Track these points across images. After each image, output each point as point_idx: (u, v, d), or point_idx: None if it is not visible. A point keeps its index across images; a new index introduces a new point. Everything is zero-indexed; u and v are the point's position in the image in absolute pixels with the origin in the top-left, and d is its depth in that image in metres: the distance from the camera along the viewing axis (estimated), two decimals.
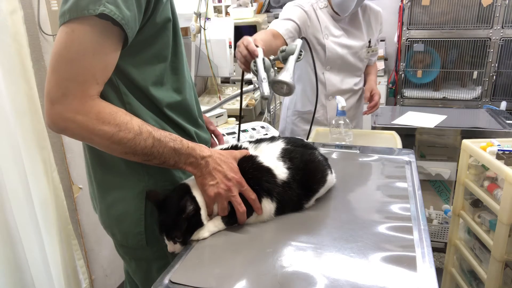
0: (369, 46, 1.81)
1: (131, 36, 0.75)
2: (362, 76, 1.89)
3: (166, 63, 0.87)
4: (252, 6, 2.81)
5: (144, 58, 0.83)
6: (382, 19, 1.85)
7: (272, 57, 1.18)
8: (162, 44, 0.85)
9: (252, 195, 0.85)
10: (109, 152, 0.79)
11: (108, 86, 0.80)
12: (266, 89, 1.07)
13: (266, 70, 1.12)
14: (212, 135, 1.14)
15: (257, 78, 1.11)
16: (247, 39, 1.20)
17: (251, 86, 1.31)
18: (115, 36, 0.74)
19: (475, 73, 3.21)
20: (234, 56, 2.45)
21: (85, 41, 0.71)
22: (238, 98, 2.45)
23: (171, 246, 0.82)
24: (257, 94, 2.47)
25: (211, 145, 1.08)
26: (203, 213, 0.83)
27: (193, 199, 0.83)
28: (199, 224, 0.83)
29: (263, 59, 1.13)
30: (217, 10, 2.80)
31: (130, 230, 0.90)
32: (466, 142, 1.56)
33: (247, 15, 2.72)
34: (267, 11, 3.93)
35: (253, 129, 1.78)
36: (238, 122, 2.05)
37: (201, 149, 0.85)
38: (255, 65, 1.12)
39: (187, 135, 0.93)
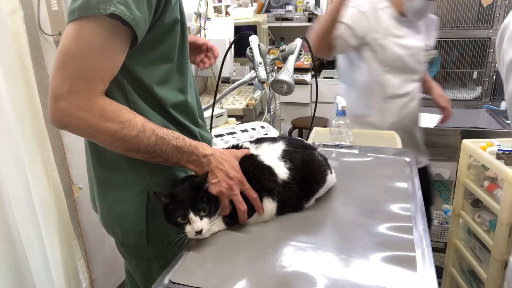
0: (427, 50, 1.76)
1: (141, 36, 0.75)
2: (420, 82, 1.81)
3: (172, 63, 0.87)
4: (252, 6, 2.81)
5: (151, 58, 0.83)
6: (437, 25, 1.82)
7: (272, 57, 1.19)
8: (170, 44, 0.85)
9: (253, 194, 0.86)
10: (112, 149, 0.79)
11: (114, 85, 0.80)
12: (262, 73, 1.09)
13: (262, 55, 1.13)
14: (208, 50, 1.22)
15: (253, 63, 1.13)
16: None
17: (247, 77, 1.31)
18: (123, 36, 0.74)
19: (475, 73, 3.20)
20: (234, 56, 2.46)
21: (93, 39, 0.71)
22: (238, 98, 2.45)
23: (199, 223, 0.78)
24: (257, 94, 2.47)
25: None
26: None
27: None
28: (217, 198, 0.83)
29: (259, 45, 1.14)
30: (217, 10, 2.80)
31: (131, 229, 0.90)
32: (466, 142, 1.56)
33: (247, 15, 2.72)
34: (267, 11, 3.93)
35: (253, 129, 1.79)
36: (238, 122, 2.06)
37: (203, 147, 0.85)
38: (251, 51, 1.13)
39: (191, 135, 0.93)
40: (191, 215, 0.79)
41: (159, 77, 0.85)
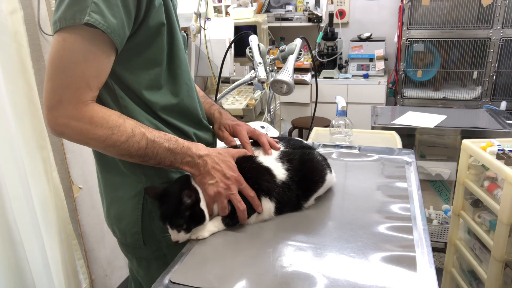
0: None
1: (119, 43, 0.76)
2: None
3: (161, 67, 0.87)
4: (252, 6, 2.80)
5: (139, 62, 0.83)
6: None
7: (272, 57, 1.19)
8: (157, 48, 0.85)
9: (250, 193, 0.86)
10: (107, 154, 0.81)
11: (105, 90, 0.81)
12: (262, 73, 1.09)
13: (262, 55, 1.13)
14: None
15: (253, 63, 1.13)
16: None
17: (247, 77, 1.30)
18: (106, 43, 0.75)
19: (475, 73, 3.21)
20: (234, 56, 2.46)
21: (76, 49, 0.73)
22: (238, 98, 2.46)
23: (175, 235, 0.81)
24: (257, 94, 2.47)
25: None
26: (204, 203, 0.84)
27: (194, 190, 0.83)
28: (202, 213, 0.83)
29: (258, 45, 1.14)
30: (217, 10, 2.80)
31: (128, 229, 0.91)
32: (466, 142, 1.56)
33: (247, 15, 2.72)
34: (267, 11, 3.93)
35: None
36: None
37: (198, 148, 0.85)
38: (251, 51, 1.13)
39: (186, 136, 0.93)
40: (168, 227, 0.81)
41: (148, 81, 0.85)
